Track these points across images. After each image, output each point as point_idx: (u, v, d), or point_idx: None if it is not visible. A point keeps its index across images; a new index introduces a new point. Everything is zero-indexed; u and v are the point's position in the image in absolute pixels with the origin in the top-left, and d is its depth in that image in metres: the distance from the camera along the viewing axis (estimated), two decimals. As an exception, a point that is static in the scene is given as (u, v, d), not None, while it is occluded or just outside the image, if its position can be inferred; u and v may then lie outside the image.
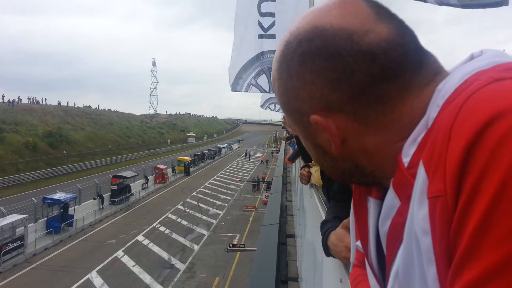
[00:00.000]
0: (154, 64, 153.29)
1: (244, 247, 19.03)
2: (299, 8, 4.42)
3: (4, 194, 36.88)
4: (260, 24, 4.58)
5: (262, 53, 4.71)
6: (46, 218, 25.62)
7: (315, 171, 3.32)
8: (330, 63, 0.57)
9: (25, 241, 22.25)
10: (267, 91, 4.94)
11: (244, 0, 4.83)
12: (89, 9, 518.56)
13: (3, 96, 70.66)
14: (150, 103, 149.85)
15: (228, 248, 19.21)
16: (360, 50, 0.56)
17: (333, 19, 0.58)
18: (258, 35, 4.63)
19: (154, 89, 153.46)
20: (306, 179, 3.52)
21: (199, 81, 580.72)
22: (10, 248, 21.04)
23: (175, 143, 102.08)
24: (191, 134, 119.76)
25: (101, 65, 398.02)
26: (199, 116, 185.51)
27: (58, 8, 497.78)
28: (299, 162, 5.74)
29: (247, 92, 4.92)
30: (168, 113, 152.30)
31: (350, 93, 0.57)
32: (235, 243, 21.35)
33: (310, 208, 3.57)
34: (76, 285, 18.77)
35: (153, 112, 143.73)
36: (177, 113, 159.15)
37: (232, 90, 4.97)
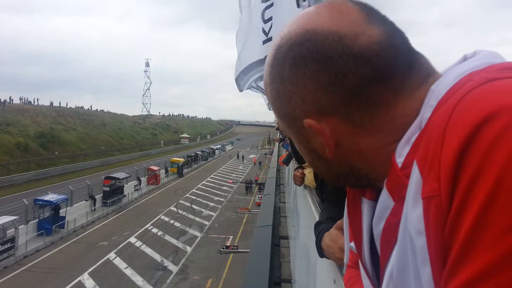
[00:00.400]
0: (147, 64, 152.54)
1: (237, 249, 18.97)
2: (292, 11, 4.47)
3: (-6, 195, 36.50)
4: (263, 31, 4.67)
5: (265, 58, 4.77)
6: (37, 220, 25.35)
7: (309, 173, 3.33)
8: (322, 67, 0.57)
9: (16, 243, 21.99)
10: None
11: (248, 8, 4.89)
12: (82, 10, 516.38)
13: (-6, 96, 70.11)
14: (143, 104, 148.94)
15: (221, 250, 19.13)
16: (351, 53, 0.56)
17: (324, 22, 0.58)
18: (263, 41, 4.70)
19: (147, 89, 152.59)
20: (300, 180, 3.52)
21: (193, 82, 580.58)
22: (0, 250, 20.80)
23: (168, 144, 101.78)
24: (185, 135, 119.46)
25: (94, 65, 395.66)
26: (193, 117, 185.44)
27: (51, 8, 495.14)
28: (292, 164, 5.74)
29: (247, 89, 5.02)
30: (161, 114, 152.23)
31: (343, 96, 0.57)
32: (228, 244, 21.27)
33: (304, 209, 3.57)
34: (67, 287, 18.58)
35: (146, 113, 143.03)
36: (171, 114, 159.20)
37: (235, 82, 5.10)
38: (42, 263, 21.72)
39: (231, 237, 26.18)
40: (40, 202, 25.94)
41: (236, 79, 5.04)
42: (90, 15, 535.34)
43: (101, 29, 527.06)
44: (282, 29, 0.64)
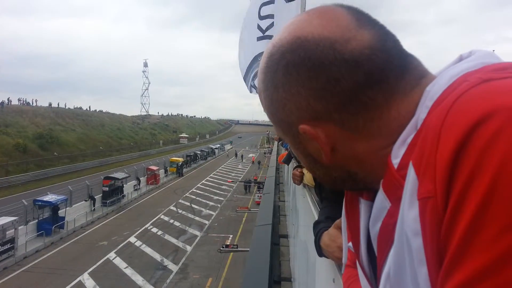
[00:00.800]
0: (145, 65, 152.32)
1: (237, 248, 19.01)
2: (295, 9, 4.46)
3: (-6, 197, 36.43)
4: (259, 27, 4.65)
5: (259, 54, 4.78)
6: (37, 220, 25.30)
7: (307, 172, 3.33)
8: (314, 73, 0.57)
9: (15, 244, 21.97)
10: None
11: (250, 7, 4.92)
12: (80, 11, 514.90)
13: (-8, 98, 69.99)
14: (142, 104, 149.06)
15: (221, 248, 19.16)
16: (343, 58, 0.56)
17: (314, 28, 0.58)
18: (257, 37, 4.69)
19: (145, 90, 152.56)
20: (299, 179, 3.52)
21: (192, 82, 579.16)
22: (0, 250, 20.79)
23: (167, 144, 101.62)
24: (184, 135, 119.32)
25: (93, 66, 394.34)
26: (192, 117, 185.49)
27: (49, 10, 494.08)
28: (292, 163, 5.74)
29: (251, 93, 5.02)
30: (160, 114, 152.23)
31: (336, 101, 0.58)
32: (228, 243, 21.32)
33: (303, 208, 3.57)
34: (67, 287, 18.56)
35: (145, 113, 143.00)
36: (169, 114, 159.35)
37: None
38: (42, 264, 21.70)
39: (231, 236, 26.15)
40: (40, 203, 25.88)
41: (245, 81, 5.06)
42: (88, 16, 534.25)
43: (100, 31, 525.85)
44: (273, 37, 0.65)
